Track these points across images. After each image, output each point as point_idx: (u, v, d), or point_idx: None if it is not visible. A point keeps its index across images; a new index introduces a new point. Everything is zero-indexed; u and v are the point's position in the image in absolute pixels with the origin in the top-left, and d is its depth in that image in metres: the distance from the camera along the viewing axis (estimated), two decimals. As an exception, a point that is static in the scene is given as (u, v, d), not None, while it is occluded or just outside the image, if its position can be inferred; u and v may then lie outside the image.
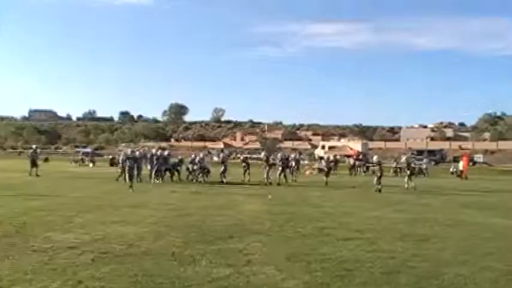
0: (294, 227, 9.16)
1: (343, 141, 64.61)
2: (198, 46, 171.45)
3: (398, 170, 33.04)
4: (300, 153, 49.56)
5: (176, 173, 22.57)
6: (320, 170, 29.72)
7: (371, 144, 68.65)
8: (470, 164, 45.10)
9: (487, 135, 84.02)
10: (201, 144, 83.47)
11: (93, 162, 42.70)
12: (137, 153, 21.98)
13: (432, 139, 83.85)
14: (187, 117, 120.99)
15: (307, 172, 33.32)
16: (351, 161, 37.10)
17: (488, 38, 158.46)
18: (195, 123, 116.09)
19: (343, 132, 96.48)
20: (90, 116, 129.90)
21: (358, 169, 34.64)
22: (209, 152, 53.55)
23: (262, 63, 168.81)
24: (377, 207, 13.19)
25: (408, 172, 21.48)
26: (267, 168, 22.56)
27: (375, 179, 19.45)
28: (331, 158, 32.76)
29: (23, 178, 22.17)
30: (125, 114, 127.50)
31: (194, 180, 21.77)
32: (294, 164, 27.03)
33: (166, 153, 23.54)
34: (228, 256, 6.47)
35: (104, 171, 30.45)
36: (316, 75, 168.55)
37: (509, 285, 5.28)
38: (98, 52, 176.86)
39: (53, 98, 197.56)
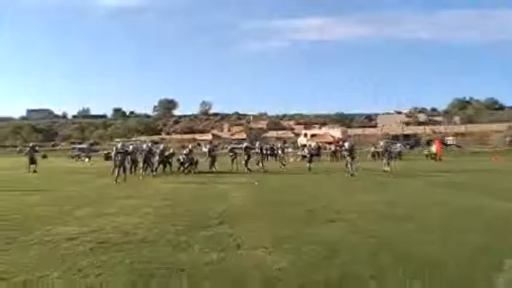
0: (281, 212, 9.18)
1: (324, 130, 64.69)
2: (186, 43, 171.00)
3: (376, 154, 33.43)
4: (285, 142, 49.84)
5: (168, 165, 22.51)
6: (303, 156, 29.86)
7: (350, 131, 69.04)
8: (444, 146, 45.77)
9: (457, 119, 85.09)
10: (190, 136, 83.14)
11: (89, 157, 42.34)
12: (130, 147, 21.83)
13: (407, 124, 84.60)
14: (177, 111, 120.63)
15: (291, 159, 33.52)
16: (332, 147, 37.38)
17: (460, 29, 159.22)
18: (184, 116, 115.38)
19: (324, 120, 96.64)
20: (85, 114, 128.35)
21: (339, 154, 34.94)
22: (198, 144, 53.31)
23: (247, 57, 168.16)
24: (358, 190, 13.29)
25: (386, 156, 21.77)
26: (246, 157, 22.56)
27: (347, 164, 19.56)
28: (314, 145, 32.99)
29: (21, 174, 21.94)
30: (117, 111, 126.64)
31: (186, 171, 21.70)
32: (280, 152, 27.19)
33: (161, 146, 23.43)
34: (219, 241, 6.46)
35: (100, 165, 30.20)
36: (298, 67, 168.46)
37: (486, 259, 5.39)
38: (94, 52, 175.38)
39: (50, 97, 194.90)
